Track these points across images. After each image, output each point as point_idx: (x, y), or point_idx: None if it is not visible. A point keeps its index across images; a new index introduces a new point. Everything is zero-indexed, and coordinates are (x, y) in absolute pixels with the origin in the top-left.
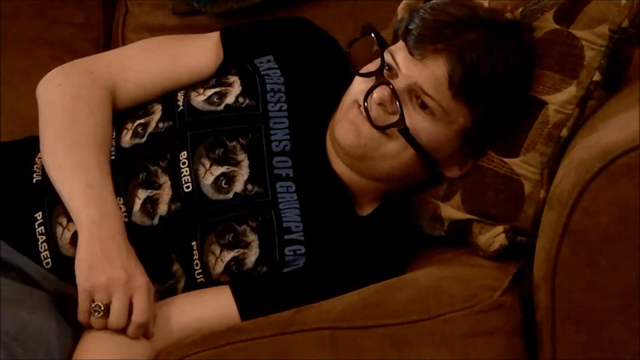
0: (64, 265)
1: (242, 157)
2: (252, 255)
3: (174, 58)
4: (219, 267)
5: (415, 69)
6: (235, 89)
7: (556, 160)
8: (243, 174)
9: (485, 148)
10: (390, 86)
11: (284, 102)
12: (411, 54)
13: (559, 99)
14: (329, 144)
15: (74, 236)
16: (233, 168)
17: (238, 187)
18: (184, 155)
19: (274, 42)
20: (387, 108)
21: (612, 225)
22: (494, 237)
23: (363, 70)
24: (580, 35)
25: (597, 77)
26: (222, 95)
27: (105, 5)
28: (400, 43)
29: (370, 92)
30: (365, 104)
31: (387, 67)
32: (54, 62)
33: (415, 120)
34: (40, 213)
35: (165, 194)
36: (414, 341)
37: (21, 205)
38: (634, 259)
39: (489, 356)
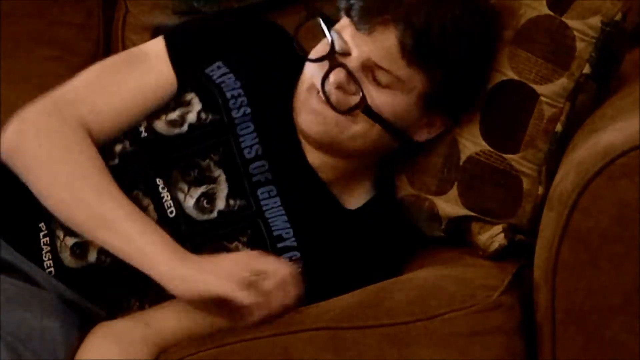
0: (67, 276)
1: (218, 172)
2: None
3: (140, 92)
4: None
5: (365, 44)
6: (195, 106)
7: (553, 157)
8: (223, 189)
9: (454, 112)
10: (345, 67)
11: (246, 106)
12: (358, 29)
13: (550, 90)
14: (300, 134)
15: (73, 248)
16: (212, 185)
17: (220, 204)
18: (160, 181)
19: (218, 46)
20: (346, 90)
21: (612, 225)
22: (492, 237)
23: (313, 54)
24: (572, 25)
25: (587, 69)
26: (183, 116)
27: (105, 5)
28: (345, 20)
29: (326, 76)
30: (324, 89)
31: (337, 48)
32: (54, 62)
33: (375, 96)
34: (43, 224)
35: (150, 217)
36: (414, 341)
37: (27, 213)
38: (634, 259)
39: (488, 356)
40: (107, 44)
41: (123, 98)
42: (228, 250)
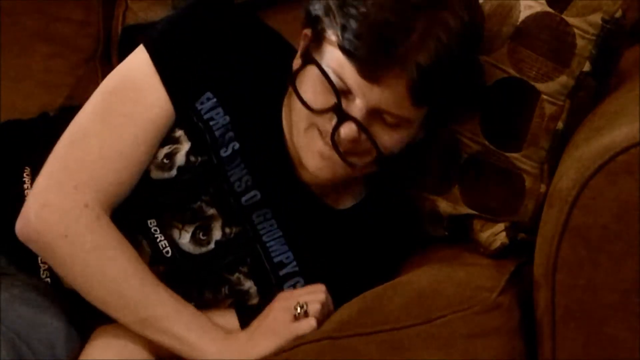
0: (63, 294)
1: (211, 211)
2: (254, 301)
3: (151, 141)
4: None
5: (372, 93)
6: (184, 145)
7: (555, 154)
8: (218, 220)
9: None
10: (355, 120)
11: (234, 141)
12: (363, 77)
13: (551, 88)
14: (293, 153)
15: None
16: (206, 221)
17: (217, 234)
18: (152, 222)
19: (209, 75)
20: (357, 140)
21: (612, 222)
22: (495, 235)
23: (313, 100)
24: (572, 22)
25: (587, 67)
26: (171, 156)
27: (104, 1)
28: (342, 56)
29: (335, 129)
30: (333, 140)
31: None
32: (54, 58)
33: (384, 139)
34: None
35: (144, 255)
36: (414, 345)
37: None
38: (634, 256)
39: (489, 357)
40: (107, 41)
41: (139, 157)
42: (230, 282)
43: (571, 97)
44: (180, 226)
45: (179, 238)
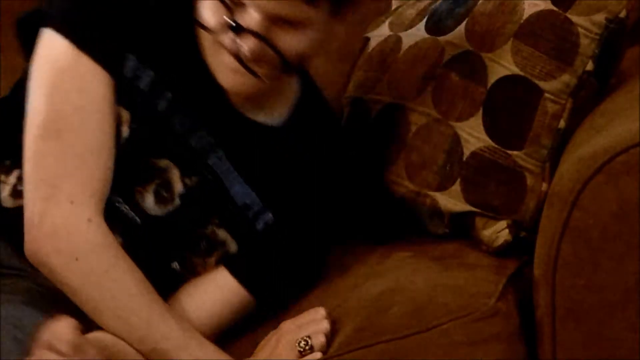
0: (3, 216)
1: (165, 162)
2: (233, 248)
3: (108, 120)
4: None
5: (263, 1)
6: (124, 116)
7: (556, 153)
8: (175, 172)
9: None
10: (254, 33)
11: (166, 91)
12: None
13: (554, 87)
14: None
15: (14, 189)
16: (163, 176)
17: (178, 187)
18: (114, 195)
19: (123, 38)
20: (261, 52)
21: (613, 222)
22: (497, 232)
23: (207, 18)
24: (576, 21)
25: (590, 66)
26: (117, 132)
27: None
28: None
29: (236, 46)
30: (238, 57)
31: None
32: None
33: (287, 43)
34: None
35: (116, 232)
36: (413, 354)
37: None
38: (635, 257)
39: None
40: None
41: (110, 140)
42: (206, 237)
43: (573, 96)
44: (141, 189)
45: (143, 202)
